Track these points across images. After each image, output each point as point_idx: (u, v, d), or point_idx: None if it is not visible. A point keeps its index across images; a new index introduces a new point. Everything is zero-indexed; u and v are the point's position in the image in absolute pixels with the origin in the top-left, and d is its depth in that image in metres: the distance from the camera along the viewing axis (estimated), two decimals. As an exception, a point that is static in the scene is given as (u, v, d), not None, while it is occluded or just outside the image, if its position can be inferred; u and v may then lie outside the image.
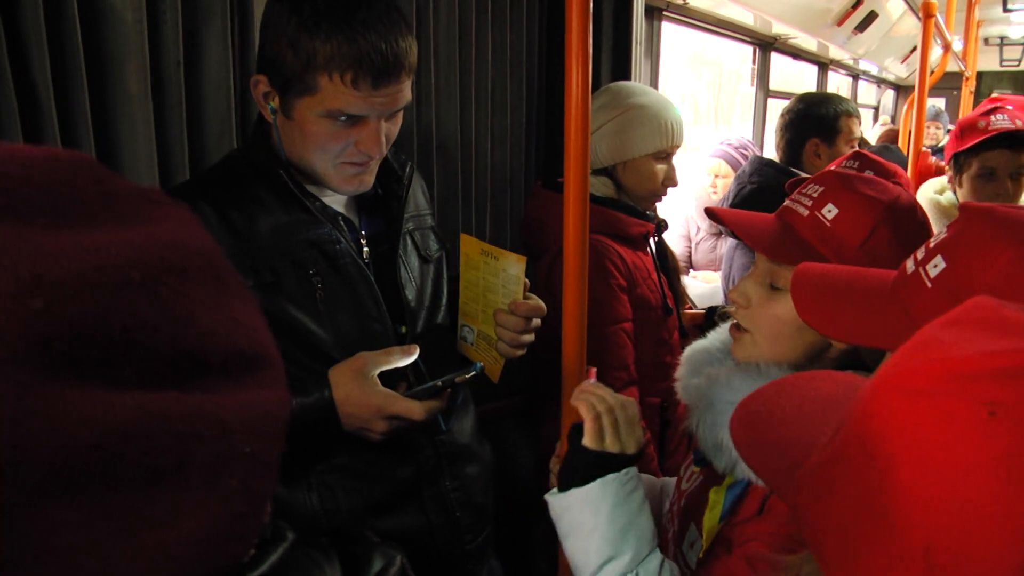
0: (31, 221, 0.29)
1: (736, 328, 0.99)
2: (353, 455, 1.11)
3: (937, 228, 0.80)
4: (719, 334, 1.09)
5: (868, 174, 1.74)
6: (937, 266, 0.71)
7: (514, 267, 1.11)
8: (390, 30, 0.97)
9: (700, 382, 0.96)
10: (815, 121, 2.28)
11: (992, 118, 2.01)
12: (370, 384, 1.01)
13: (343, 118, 0.99)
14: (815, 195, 0.99)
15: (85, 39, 1.05)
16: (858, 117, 2.34)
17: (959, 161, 2.06)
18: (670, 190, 1.69)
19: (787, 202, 1.03)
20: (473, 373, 1.06)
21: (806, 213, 0.98)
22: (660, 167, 1.62)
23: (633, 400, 1.00)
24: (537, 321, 1.16)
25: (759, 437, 0.54)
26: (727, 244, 2.48)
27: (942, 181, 2.24)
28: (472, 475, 1.24)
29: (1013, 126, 1.97)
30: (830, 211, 0.95)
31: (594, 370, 1.06)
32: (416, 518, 1.17)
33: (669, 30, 2.98)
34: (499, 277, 1.13)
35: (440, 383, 1.05)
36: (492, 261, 1.13)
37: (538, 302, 1.15)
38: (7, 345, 0.26)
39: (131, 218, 0.32)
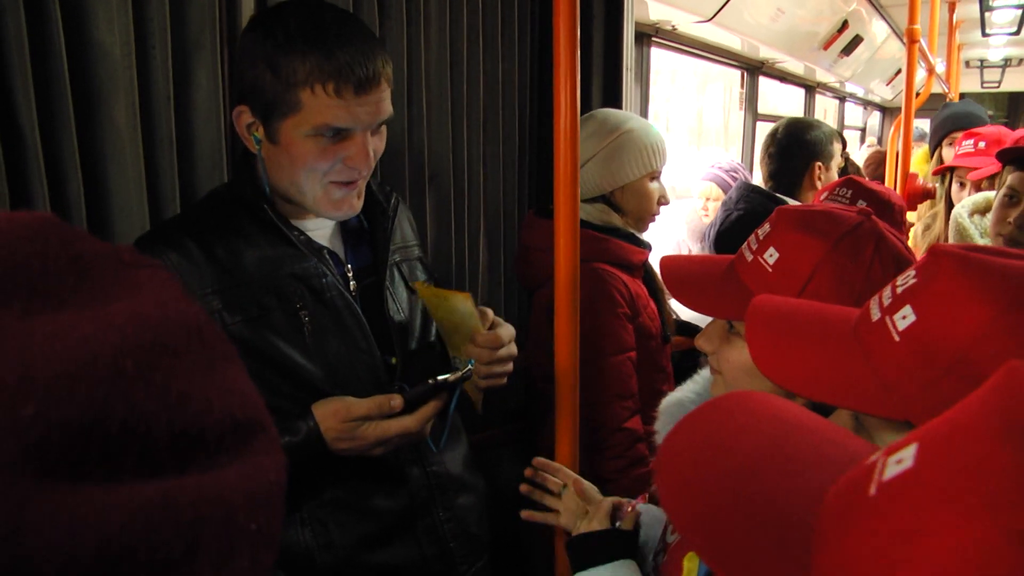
0: (7, 306, 0.27)
1: (712, 369, 0.98)
2: (345, 489, 1.10)
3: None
4: (694, 384, 1.08)
5: (861, 204, 1.74)
6: (906, 318, 0.62)
7: (462, 305, 1.11)
8: (364, 42, 0.99)
9: None
10: (814, 145, 2.28)
11: None
12: (358, 423, 1.00)
13: (329, 134, 1.00)
14: (762, 237, 0.93)
15: (72, 74, 1.04)
16: (842, 143, 2.36)
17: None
18: (662, 210, 1.74)
19: (742, 246, 0.98)
20: (468, 368, 1.06)
21: (750, 258, 0.94)
22: (654, 186, 1.67)
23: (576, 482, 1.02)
24: (507, 351, 1.13)
25: (709, 529, 0.45)
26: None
27: (988, 197, 2.08)
28: (465, 505, 1.23)
29: None
30: (772, 255, 0.90)
31: None
32: (410, 550, 1.16)
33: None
34: (456, 315, 1.14)
35: (431, 383, 1.03)
36: (445, 302, 1.14)
37: (496, 333, 1.13)
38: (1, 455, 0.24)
39: (110, 290, 0.30)
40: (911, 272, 0.66)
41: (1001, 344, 0.57)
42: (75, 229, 0.31)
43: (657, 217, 1.74)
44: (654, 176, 1.68)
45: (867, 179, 2.52)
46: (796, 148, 2.29)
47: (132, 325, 0.29)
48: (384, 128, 1.08)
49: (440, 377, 1.04)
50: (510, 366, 1.15)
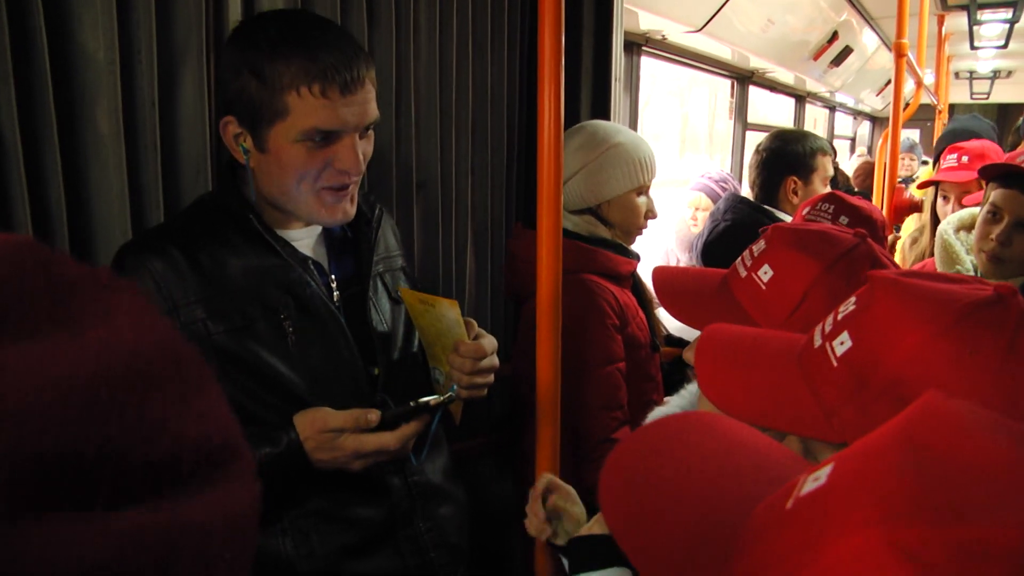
0: None
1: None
2: (326, 498, 1.10)
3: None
4: (680, 399, 1.09)
5: (842, 222, 1.75)
6: (844, 343, 0.64)
7: (449, 312, 1.11)
8: (346, 44, 1.01)
9: None
10: (791, 159, 2.28)
11: None
12: (338, 434, 1.00)
13: (318, 139, 1.00)
14: (756, 254, 0.93)
15: (55, 78, 1.03)
16: (832, 155, 2.35)
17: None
18: (650, 222, 1.74)
19: (736, 261, 0.99)
20: (449, 395, 1.06)
21: (744, 274, 0.94)
22: (641, 200, 1.67)
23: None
24: (489, 362, 1.13)
25: (640, 528, 0.46)
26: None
27: (973, 213, 2.05)
28: (446, 515, 1.24)
29: None
30: (766, 273, 0.90)
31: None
32: (391, 560, 1.16)
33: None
34: (442, 322, 1.14)
35: (412, 405, 1.03)
36: (431, 309, 1.14)
37: (479, 344, 1.12)
38: None
39: (86, 315, 0.30)
40: (852, 299, 0.67)
41: (931, 367, 0.59)
42: (53, 251, 0.31)
43: (645, 230, 1.74)
44: (641, 191, 1.68)
45: (856, 189, 2.54)
46: (775, 160, 2.29)
47: (107, 353, 0.29)
48: (372, 132, 1.08)
49: (423, 400, 1.04)
50: (491, 378, 1.14)
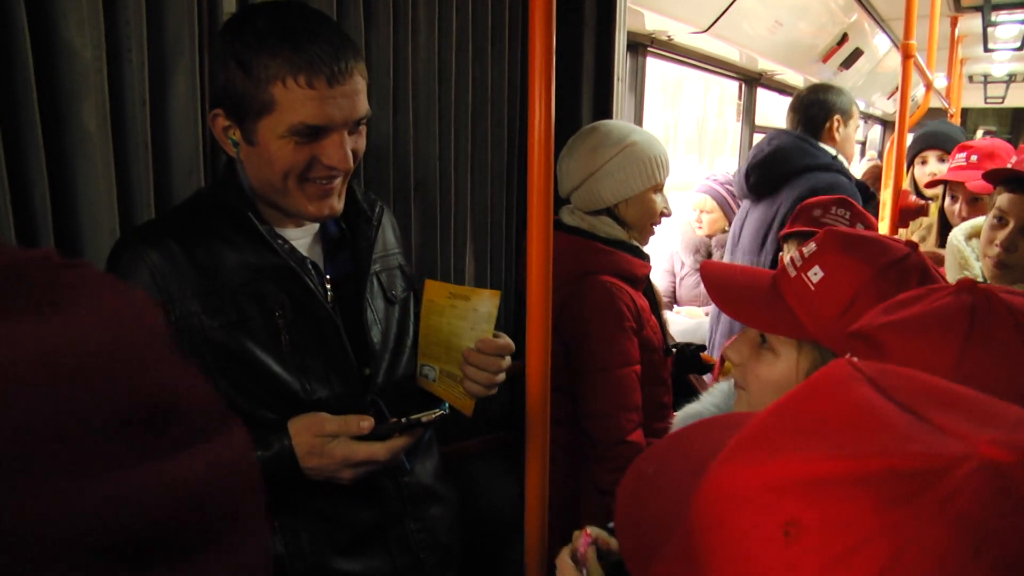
0: None
1: (737, 384, 0.98)
2: (317, 498, 1.10)
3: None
4: (712, 396, 1.08)
5: (859, 227, 1.75)
6: (816, 274, 0.92)
7: (486, 304, 1.09)
8: (335, 36, 0.99)
9: None
10: (836, 102, 2.50)
11: None
12: (330, 439, 1.00)
13: (305, 134, 0.99)
14: (807, 254, 0.95)
15: (39, 76, 1.02)
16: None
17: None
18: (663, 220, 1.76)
19: (785, 261, 1.00)
20: (440, 413, 1.04)
21: (794, 274, 0.95)
22: (657, 198, 1.69)
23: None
24: (508, 360, 1.14)
25: (634, 513, 0.51)
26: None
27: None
28: (436, 516, 1.24)
29: None
30: (816, 274, 0.92)
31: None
32: (381, 560, 1.17)
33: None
34: (468, 319, 1.12)
35: (404, 421, 1.02)
36: (462, 303, 1.12)
37: (506, 340, 1.13)
38: None
39: (47, 297, 0.30)
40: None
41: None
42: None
43: (657, 229, 1.75)
44: (657, 188, 1.68)
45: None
46: (821, 102, 2.50)
47: (78, 331, 0.30)
48: (364, 128, 1.07)
49: (414, 416, 1.02)
50: (503, 376, 1.14)
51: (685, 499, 0.43)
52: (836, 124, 2.49)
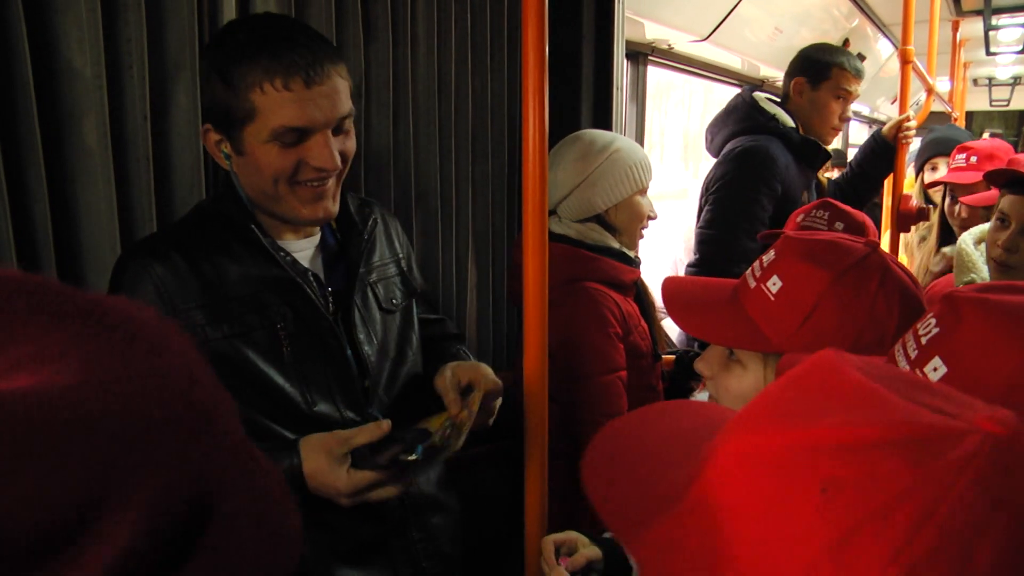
0: None
1: (711, 396, 0.98)
2: (320, 508, 1.09)
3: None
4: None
5: (838, 228, 1.74)
6: (937, 369, 0.64)
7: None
8: (312, 40, 1.00)
9: None
10: (805, 61, 2.36)
11: None
12: (338, 465, 0.99)
13: (289, 139, 0.99)
14: (766, 263, 0.92)
15: (39, 94, 1.03)
16: (857, 78, 2.36)
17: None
18: (655, 232, 1.79)
19: (747, 272, 0.97)
20: (415, 457, 1.01)
21: (753, 285, 0.92)
22: (643, 201, 1.70)
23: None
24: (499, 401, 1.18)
25: (613, 487, 0.54)
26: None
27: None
28: (439, 525, 1.24)
29: None
30: (775, 284, 0.89)
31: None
32: (383, 570, 1.16)
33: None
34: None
35: (383, 463, 1.00)
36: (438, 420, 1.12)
37: (498, 384, 1.15)
38: None
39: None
40: (931, 320, 0.66)
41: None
42: None
43: (645, 232, 1.76)
44: (643, 192, 1.70)
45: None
46: (793, 61, 2.40)
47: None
48: (351, 128, 1.07)
49: (390, 453, 1.00)
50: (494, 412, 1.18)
51: (691, 466, 0.46)
52: (799, 88, 2.37)
